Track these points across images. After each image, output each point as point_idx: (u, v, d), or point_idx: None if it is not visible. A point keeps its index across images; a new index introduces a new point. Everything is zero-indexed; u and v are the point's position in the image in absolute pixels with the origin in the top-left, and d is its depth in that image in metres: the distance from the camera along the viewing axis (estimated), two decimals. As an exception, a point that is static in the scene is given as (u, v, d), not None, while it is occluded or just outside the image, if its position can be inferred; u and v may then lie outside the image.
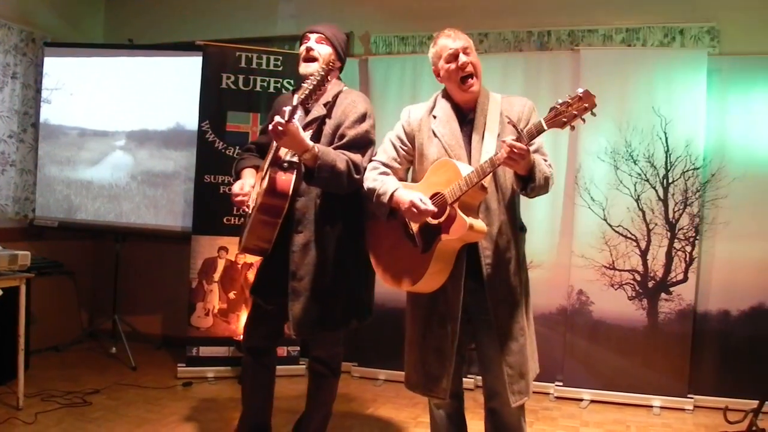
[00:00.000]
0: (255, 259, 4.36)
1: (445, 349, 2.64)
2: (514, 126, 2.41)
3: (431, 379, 2.69)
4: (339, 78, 3.16)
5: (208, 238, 4.82)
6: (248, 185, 3.07)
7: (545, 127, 2.37)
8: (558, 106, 2.35)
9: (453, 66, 2.68)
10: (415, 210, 2.52)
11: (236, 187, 3.06)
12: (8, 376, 4.25)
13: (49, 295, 5.29)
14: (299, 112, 2.70)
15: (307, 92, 2.73)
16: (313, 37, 3.07)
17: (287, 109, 2.66)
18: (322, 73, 2.74)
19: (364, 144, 2.97)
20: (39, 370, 4.75)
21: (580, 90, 2.32)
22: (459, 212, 2.47)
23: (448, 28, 2.77)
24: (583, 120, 2.33)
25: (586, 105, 2.30)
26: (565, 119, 2.33)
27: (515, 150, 2.34)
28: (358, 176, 2.85)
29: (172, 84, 5.29)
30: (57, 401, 4.12)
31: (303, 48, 3.07)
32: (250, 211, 3.03)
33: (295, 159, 2.93)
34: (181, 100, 5.23)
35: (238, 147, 4.71)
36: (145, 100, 5.33)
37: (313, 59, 3.03)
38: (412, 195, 2.56)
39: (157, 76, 5.33)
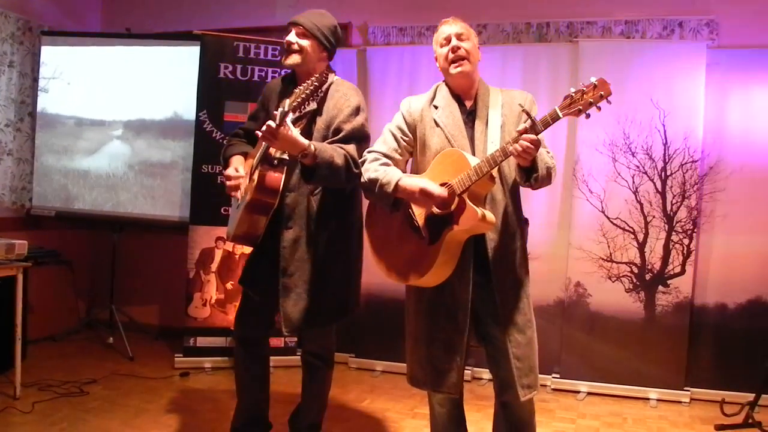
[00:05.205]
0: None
1: (454, 342, 2.61)
2: (527, 114, 2.38)
3: (440, 374, 2.64)
4: (329, 67, 3.13)
5: (205, 228, 4.81)
6: (241, 171, 3.06)
7: (560, 115, 2.33)
8: (573, 95, 2.31)
9: (445, 49, 2.69)
10: (426, 195, 2.50)
11: (231, 171, 3.04)
12: (5, 366, 4.24)
13: (46, 284, 5.29)
14: (291, 115, 2.67)
15: (300, 99, 2.69)
16: (294, 30, 3.03)
17: (278, 112, 2.63)
18: (316, 84, 2.70)
19: (361, 137, 2.96)
20: (36, 359, 4.75)
21: (594, 78, 2.28)
22: (469, 202, 2.45)
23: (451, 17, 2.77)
24: (599, 108, 2.29)
25: (602, 93, 2.27)
26: (580, 107, 2.29)
27: (531, 141, 2.33)
28: (357, 170, 2.82)
29: (170, 73, 5.27)
30: (54, 391, 4.12)
31: (284, 41, 3.05)
32: (239, 200, 3.03)
33: (286, 156, 2.92)
34: (179, 89, 5.21)
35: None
36: (142, 90, 5.32)
37: (294, 52, 3.02)
38: (420, 181, 2.54)
39: (154, 66, 5.31)
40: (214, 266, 4.85)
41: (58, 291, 5.56)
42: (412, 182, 2.56)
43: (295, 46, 3.01)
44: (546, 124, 2.35)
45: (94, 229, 5.86)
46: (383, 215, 2.73)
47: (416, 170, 2.77)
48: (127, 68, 5.33)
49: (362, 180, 2.72)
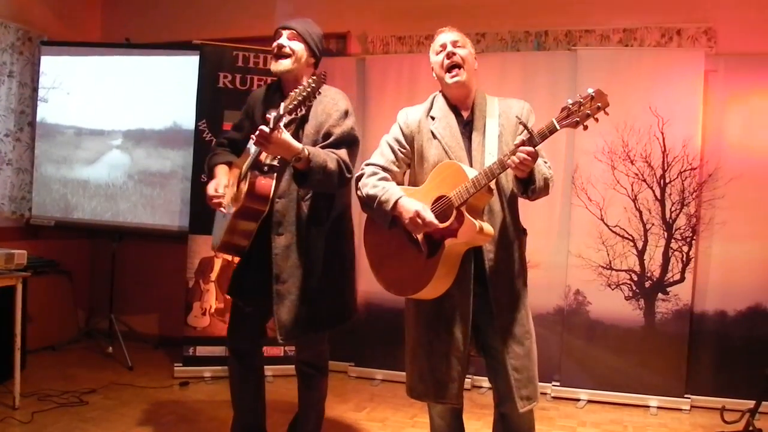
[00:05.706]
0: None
1: (454, 354, 2.60)
2: (525, 127, 2.36)
3: (442, 386, 2.63)
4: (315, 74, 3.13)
5: (204, 237, 4.78)
6: (222, 185, 3.04)
7: (558, 127, 2.33)
8: (570, 106, 2.30)
9: (441, 56, 2.68)
10: (419, 221, 2.46)
11: (211, 188, 3.03)
12: (5, 376, 4.23)
13: (45, 294, 5.28)
14: (285, 119, 2.66)
15: (297, 101, 2.64)
16: (285, 33, 3.03)
17: (272, 116, 2.62)
18: (314, 85, 2.64)
19: (350, 141, 2.94)
20: (35, 369, 4.74)
21: (591, 89, 2.27)
22: (467, 215, 2.44)
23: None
24: (596, 119, 2.29)
25: (599, 104, 2.26)
26: (578, 119, 2.28)
27: (528, 153, 2.32)
28: (349, 175, 2.82)
29: (169, 83, 5.29)
30: (53, 401, 4.11)
31: (274, 45, 3.03)
32: (225, 212, 3.01)
33: (276, 162, 2.91)
34: (178, 99, 5.22)
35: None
36: (142, 100, 5.33)
37: (285, 56, 3.00)
38: (416, 205, 2.51)
39: (154, 76, 5.32)
40: (213, 275, 4.84)
41: (57, 301, 5.55)
42: (410, 205, 2.52)
43: (287, 50, 3.00)
44: (543, 137, 2.35)
45: (94, 238, 5.87)
46: (381, 229, 2.71)
47: (413, 182, 2.75)
48: (126, 78, 5.34)
49: (360, 195, 2.70)
